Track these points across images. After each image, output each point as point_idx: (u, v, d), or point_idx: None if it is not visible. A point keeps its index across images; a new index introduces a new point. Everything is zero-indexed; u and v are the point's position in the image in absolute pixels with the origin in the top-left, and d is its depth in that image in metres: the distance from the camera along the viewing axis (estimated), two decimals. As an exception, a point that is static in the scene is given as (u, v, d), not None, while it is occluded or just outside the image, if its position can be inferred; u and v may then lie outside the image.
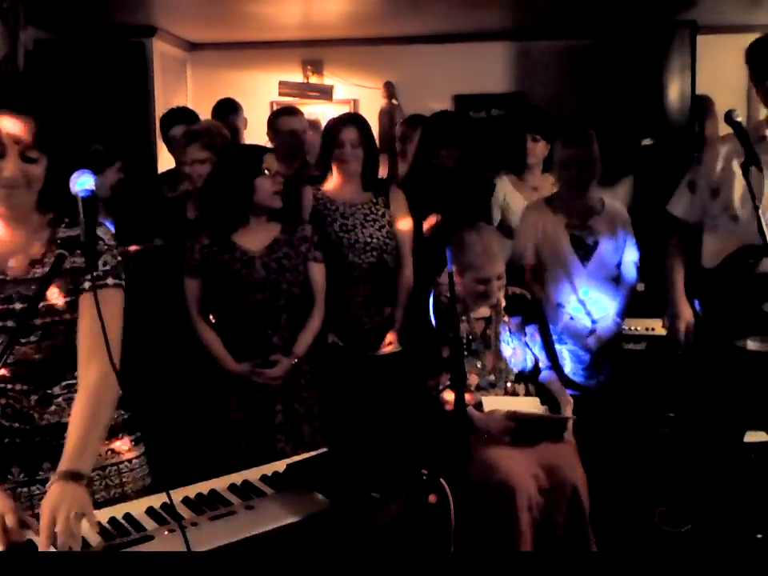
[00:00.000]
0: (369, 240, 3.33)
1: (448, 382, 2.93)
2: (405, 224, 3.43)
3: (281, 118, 4.16)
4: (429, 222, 3.52)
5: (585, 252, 3.42)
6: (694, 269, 2.93)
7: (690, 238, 2.95)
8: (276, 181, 2.95)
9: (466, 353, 3.05)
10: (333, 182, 3.39)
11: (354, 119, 3.48)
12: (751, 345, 2.76)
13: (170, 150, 4.20)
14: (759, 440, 3.07)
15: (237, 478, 1.97)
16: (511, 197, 3.87)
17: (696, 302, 2.90)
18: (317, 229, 3.21)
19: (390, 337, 3.36)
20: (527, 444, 2.87)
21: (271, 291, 2.91)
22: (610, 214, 3.48)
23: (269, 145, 3.96)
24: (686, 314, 2.91)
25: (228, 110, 4.64)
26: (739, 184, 2.77)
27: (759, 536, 2.97)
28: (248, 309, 2.90)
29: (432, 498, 1.86)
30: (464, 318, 3.09)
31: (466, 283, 3.07)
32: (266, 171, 2.93)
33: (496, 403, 3.00)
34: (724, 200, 2.80)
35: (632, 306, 3.53)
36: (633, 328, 3.81)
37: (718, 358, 2.83)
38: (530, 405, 3.02)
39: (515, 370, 3.12)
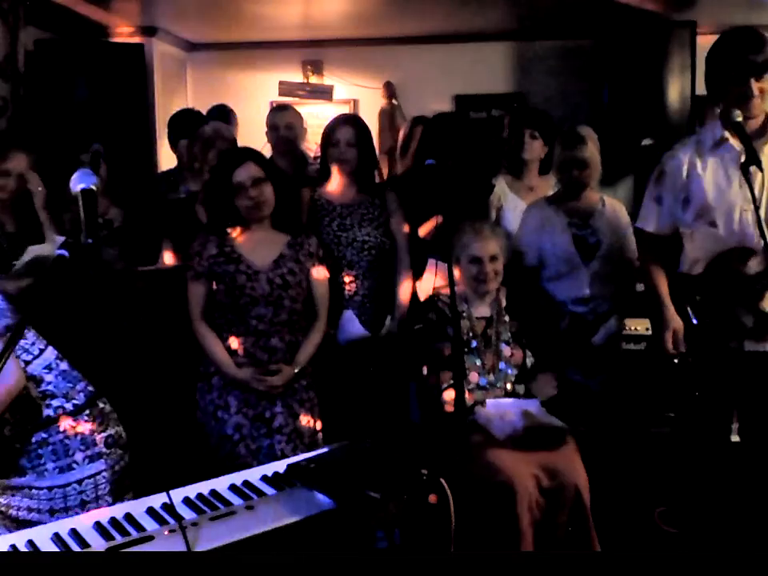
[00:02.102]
0: (366, 239, 3.36)
1: (450, 381, 2.94)
2: (401, 224, 3.47)
3: (268, 116, 4.18)
4: (429, 224, 3.53)
5: (587, 251, 3.43)
6: (674, 276, 2.92)
7: (664, 247, 2.96)
8: (248, 196, 2.89)
9: (465, 350, 3.07)
10: (331, 183, 3.42)
11: (350, 119, 3.51)
12: (748, 345, 2.77)
13: (174, 150, 4.23)
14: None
15: (237, 478, 1.98)
16: (506, 198, 3.87)
17: (689, 310, 2.88)
18: (315, 228, 3.23)
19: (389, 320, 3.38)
20: (525, 449, 2.88)
21: (274, 306, 2.92)
22: (611, 213, 3.49)
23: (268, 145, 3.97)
24: (676, 323, 2.88)
25: (220, 116, 4.64)
26: (707, 190, 2.78)
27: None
28: (250, 321, 2.91)
29: (432, 498, 1.87)
30: (465, 315, 3.12)
31: (463, 269, 3.14)
32: (239, 184, 2.88)
33: (500, 405, 3.01)
34: (698, 208, 2.80)
35: (632, 306, 3.53)
36: (633, 328, 3.80)
37: (715, 361, 2.82)
38: (531, 406, 3.02)
39: (514, 371, 3.13)
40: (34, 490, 2.05)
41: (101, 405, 2.23)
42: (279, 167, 3.32)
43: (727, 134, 2.76)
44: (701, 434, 2.94)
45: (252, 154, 3.00)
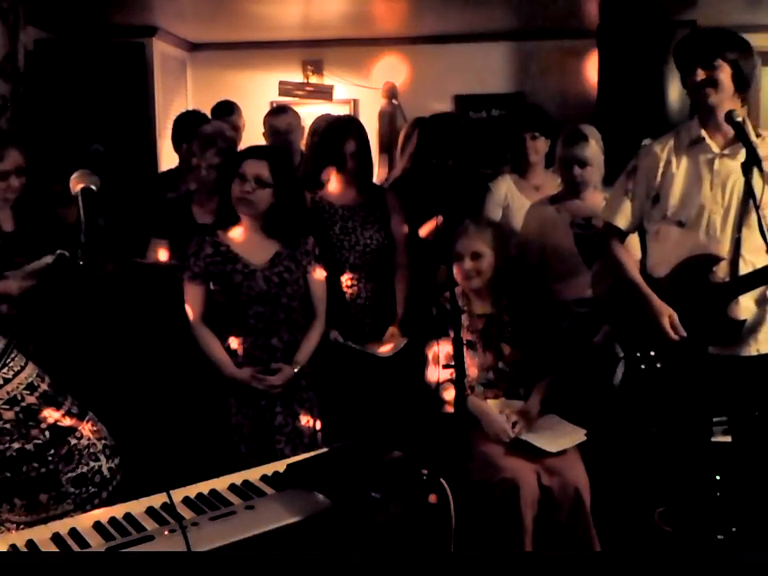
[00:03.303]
0: (369, 241, 3.37)
1: (450, 380, 2.95)
2: (401, 224, 3.48)
3: (267, 118, 4.19)
4: (430, 225, 3.54)
5: (589, 251, 3.42)
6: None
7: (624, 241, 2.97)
8: (242, 189, 2.88)
9: (465, 348, 3.07)
10: (330, 186, 3.43)
11: (352, 129, 3.45)
12: (712, 349, 2.76)
13: (177, 151, 4.23)
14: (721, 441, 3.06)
15: (237, 477, 1.98)
16: (513, 196, 3.87)
17: None
18: (317, 230, 3.23)
19: (392, 329, 3.38)
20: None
21: (272, 305, 2.93)
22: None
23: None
24: (667, 308, 2.80)
25: (226, 111, 4.65)
26: (677, 189, 2.77)
27: (720, 537, 2.97)
28: (248, 321, 2.92)
29: (432, 498, 1.87)
30: (465, 312, 3.12)
31: (454, 266, 3.12)
32: (242, 173, 2.89)
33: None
34: (667, 206, 2.79)
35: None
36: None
37: (681, 363, 2.81)
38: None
39: (514, 370, 3.13)
40: (7, 523, 2.01)
41: (73, 441, 2.10)
42: (296, 178, 3.28)
43: (704, 134, 2.76)
44: (678, 435, 2.94)
45: (274, 156, 2.98)
